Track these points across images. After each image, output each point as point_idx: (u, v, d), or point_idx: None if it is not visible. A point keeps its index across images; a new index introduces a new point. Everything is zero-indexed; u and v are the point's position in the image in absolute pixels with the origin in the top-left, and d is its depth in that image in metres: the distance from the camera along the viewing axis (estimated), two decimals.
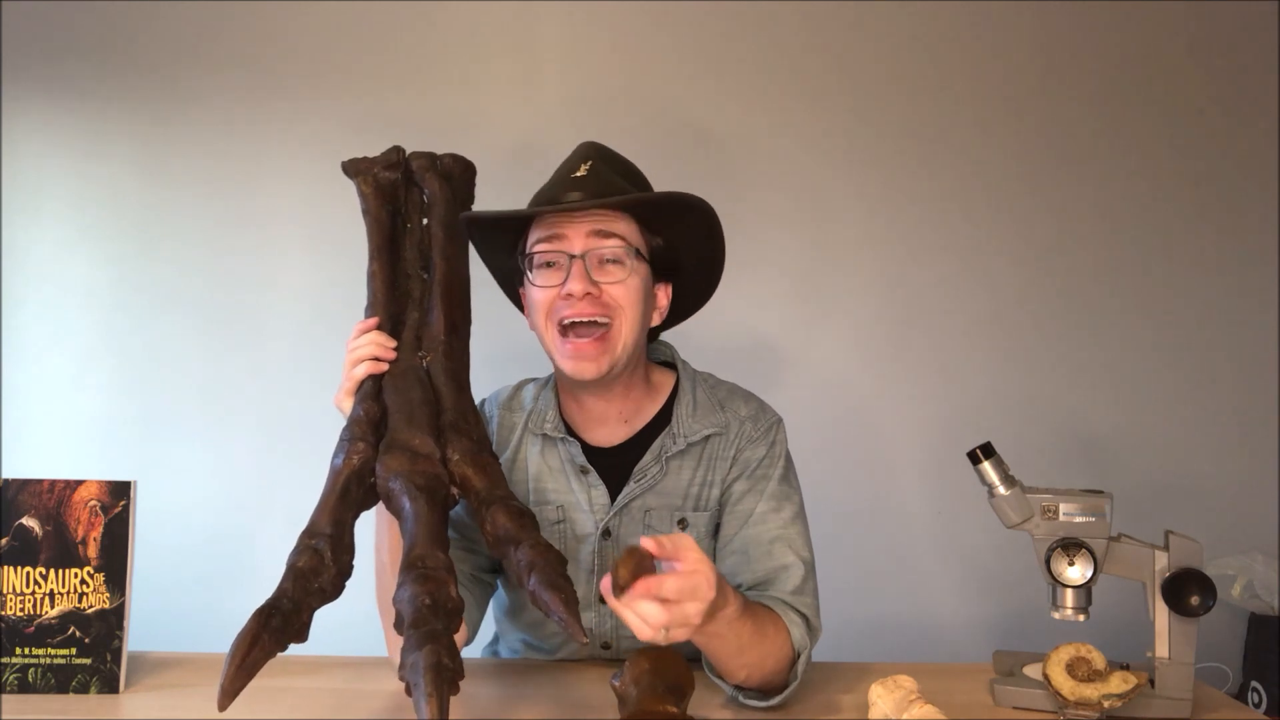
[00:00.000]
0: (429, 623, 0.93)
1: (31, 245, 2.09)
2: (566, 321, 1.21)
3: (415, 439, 1.10)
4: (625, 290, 1.21)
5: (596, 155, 1.27)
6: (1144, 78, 2.15)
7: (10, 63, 2.07)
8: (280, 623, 0.94)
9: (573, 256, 1.20)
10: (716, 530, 1.30)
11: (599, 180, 1.23)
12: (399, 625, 0.95)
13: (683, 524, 1.28)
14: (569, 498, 1.30)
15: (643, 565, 0.96)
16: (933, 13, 2.13)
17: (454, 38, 2.11)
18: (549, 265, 1.22)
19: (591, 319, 1.20)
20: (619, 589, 0.94)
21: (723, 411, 1.31)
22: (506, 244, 1.31)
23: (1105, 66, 2.15)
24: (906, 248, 2.15)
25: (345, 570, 1.03)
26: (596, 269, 1.21)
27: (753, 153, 2.13)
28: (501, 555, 1.07)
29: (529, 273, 1.24)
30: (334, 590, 1.01)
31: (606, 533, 1.29)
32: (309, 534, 1.03)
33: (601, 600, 1.29)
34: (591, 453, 1.31)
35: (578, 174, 1.24)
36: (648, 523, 1.28)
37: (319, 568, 1.00)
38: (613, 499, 1.29)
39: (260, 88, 2.09)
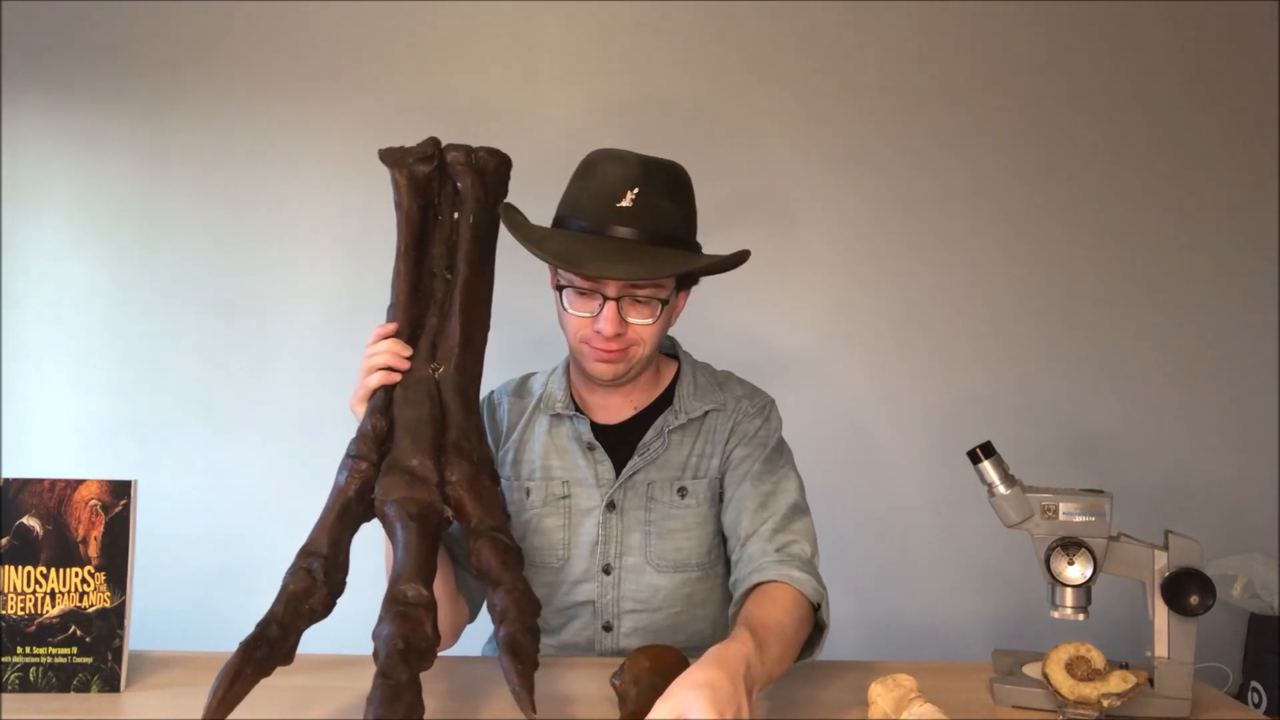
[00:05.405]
0: (397, 673, 0.93)
1: (31, 245, 2.09)
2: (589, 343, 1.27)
3: (415, 460, 1.10)
4: (650, 330, 1.27)
5: (643, 178, 1.22)
6: (1143, 79, 2.16)
7: (10, 63, 2.07)
8: (265, 653, 0.95)
9: (607, 298, 1.22)
10: (718, 498, 1.36)
11: (649, 212, 1.21)
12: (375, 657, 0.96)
13: (682, 492, 1.34)
14: (575, 473, 1.36)
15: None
16: (934, 17, 2.14)
17: (456, 34, 2.11)
18: (582, 294, 1.25)
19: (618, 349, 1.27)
20: None
21: (721, 391, 1.40)
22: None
23: (1103, 68, 2.15)
24: (907, 248, 2.16)
25: (337, 589, 1.04)
26: (628, 307, 1.25)
27: (753, 151, 2.14)
28: (484, 586, 1.09)
29: (562, 293, 1.26)
30: (324, 610, 1.03)
31: (611, 505, 1.34)
32: (305, 553, 1.05)
33: (605, 571, 1.33)
34: (598, 430, 1.37)
35: (623, 204, 1.20)
36: (650, 494, 1.34)
37: (311, 589, 1.02)
38: (617, 474, 1.34)
39: (261, 88, 2.10)
